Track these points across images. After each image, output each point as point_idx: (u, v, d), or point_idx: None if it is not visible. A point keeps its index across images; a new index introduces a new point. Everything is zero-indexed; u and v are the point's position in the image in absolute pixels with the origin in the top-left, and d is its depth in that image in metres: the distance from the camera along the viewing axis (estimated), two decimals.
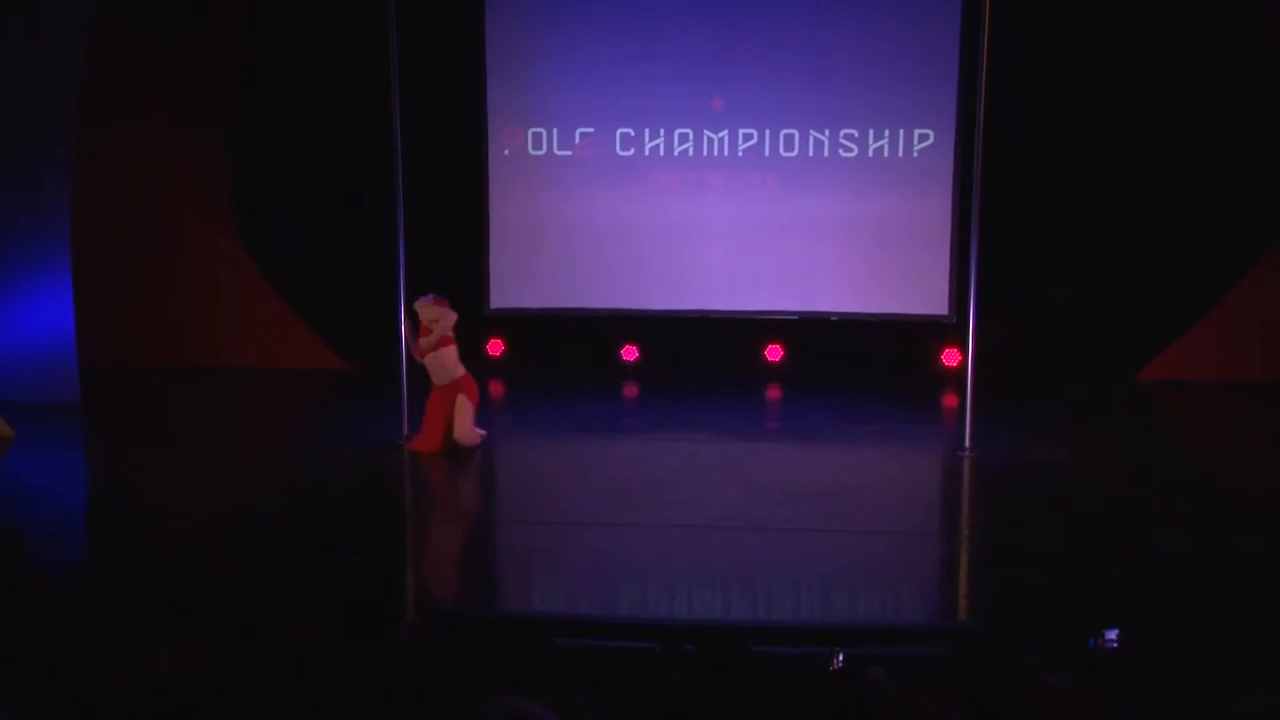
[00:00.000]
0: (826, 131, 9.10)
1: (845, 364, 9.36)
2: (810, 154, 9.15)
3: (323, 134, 9.43)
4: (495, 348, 9.90)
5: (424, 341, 7.10)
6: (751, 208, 9.27)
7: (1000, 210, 8.08)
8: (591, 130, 9.32)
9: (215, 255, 9.74)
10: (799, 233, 9.23)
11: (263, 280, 9.79)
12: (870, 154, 9.07)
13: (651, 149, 9.33)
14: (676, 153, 9.31)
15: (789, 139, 9.17)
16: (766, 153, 9.20)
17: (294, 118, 9.49)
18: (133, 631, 3.27)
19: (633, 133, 9.31)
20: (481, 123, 9.40)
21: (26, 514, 5.83)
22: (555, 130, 9.35)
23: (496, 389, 9.53)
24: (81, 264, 8.42)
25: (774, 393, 9.27)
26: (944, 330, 9.21)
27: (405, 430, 7.21)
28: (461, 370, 7.15)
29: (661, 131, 9.29)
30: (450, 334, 7.11)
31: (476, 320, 9.69)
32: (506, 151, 9.45)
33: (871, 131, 9.04)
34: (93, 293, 8.88)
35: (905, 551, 5.59)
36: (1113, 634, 3.35)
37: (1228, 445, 7.62)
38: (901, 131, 9.00)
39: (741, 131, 9.21)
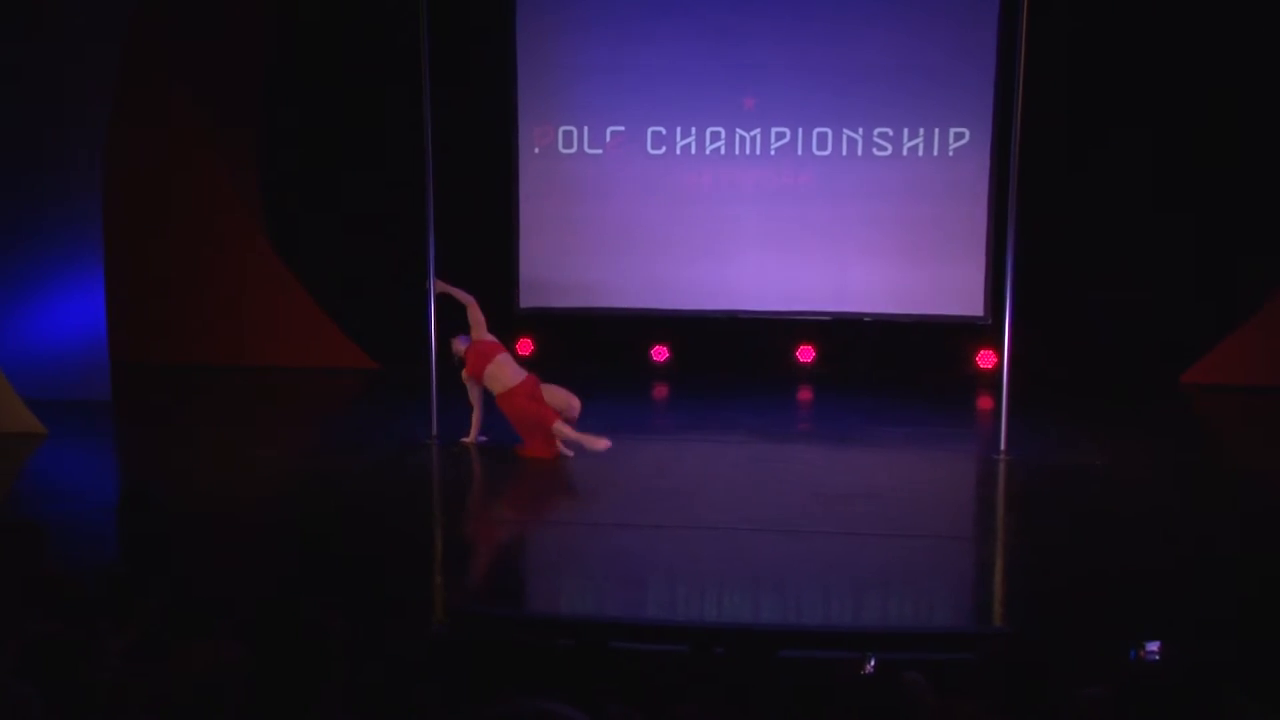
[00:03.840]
0: (860, 130, 9.05)
1: (878, 365, 9.32)
2: (843, 153, 9.11)
3: (353, 133, 9.51)
4: (524, 347, 9.91)
5: (465, 376, 7.08)
6: (783, 207, 9.24)
7: (1037, 209, 8.00)
8: (622, 129, 9.33)
9: (246, 254, 9.84)
10: (832, 232, 9.19)
11: (293, 279, 9.88)
12: (905, 153, 9.02)
13: (683, 148, 9.32)
14: (708, 151, 9.29)
15: (822, 138, 9.13)
16: (799, 151, 9.17)
17: (324, 117, 9.57)
18: (166, 627, 3.30)
19: (664, 131, 9.31)
20: (512, 121, 9.43)
21: (57, 510, 5.90)
22: (586, 129, 9.37)
23: None
24: (113, 262, 8.53)
25: (805, 394, 9.23)
26: (979, 332, 9.13)
27: (435, 430, 7.23)
28: (520, 374, 7.05)
29: (693, 130, 9.28)
30: (479, 352, 7.03)
31: (506, 319, 9.72)
32: (537, 150, 9.47)
33: (906, 130, 8.99)
34: (125, 291, 9.00)
35: (939, 555, 5.53)
36: (1154, 646, 3.28)
37: (1272, 451, 7.48)
38: (937, 130, 8.94)
39: (774, 130, 9.18)
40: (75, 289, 8.31)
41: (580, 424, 7.08)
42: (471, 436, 7.16)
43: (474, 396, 7.13)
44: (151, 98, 9.40)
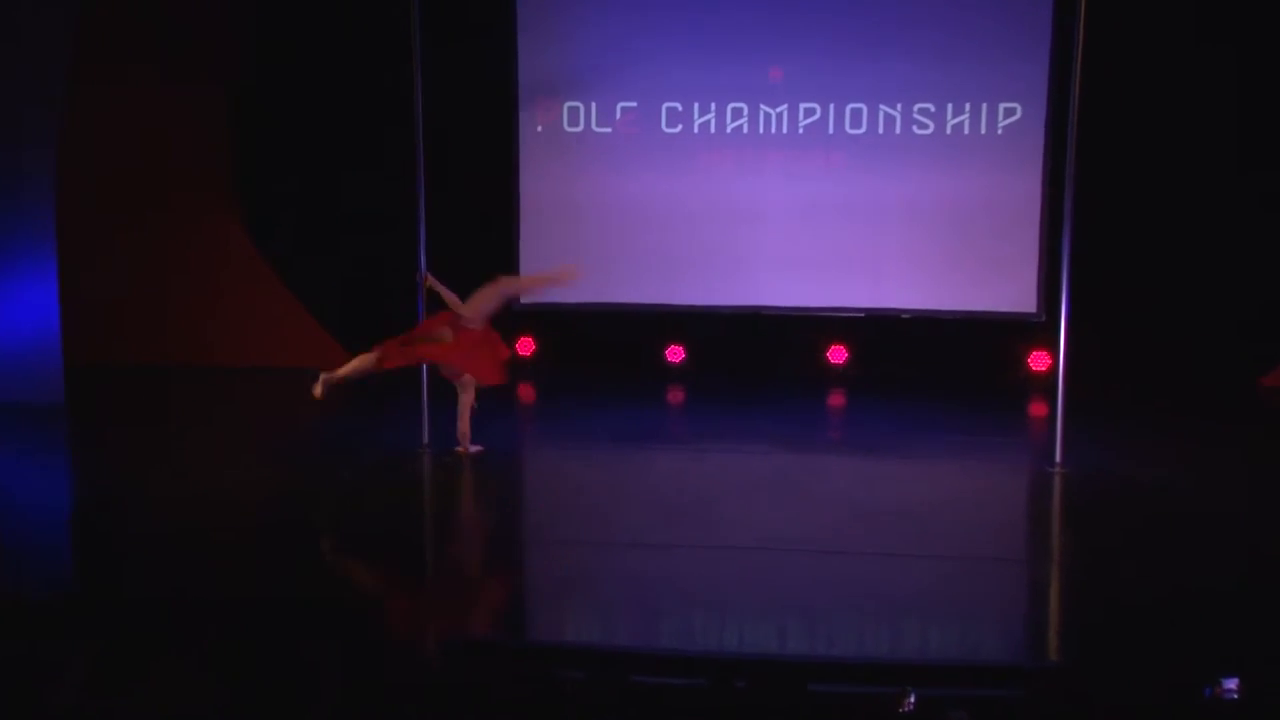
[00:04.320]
0: (899, 105, 9.03)
1: (918, 367, 9.31)
2: (880, 131, 9.09)
3: (337, 111, 9.53)
4: (525, 347, 9.93)
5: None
6: (813, 191, 9.23)
7: (1096, 194, 7.95)
8: (634, 105, 9.34)
9: (217, 245, 9.89)
10: (867, 219, 9.18)
11: (269, 271, 9.91)
12: (948, 131, 9.00)
13: (701, 125, 9.33)
14: (729, 130, 9.30)
15: (856, 114, 9.11)
16: (830, 129, 9.15)
17: (304, 94, 9.60)
18: (126, 651, 3.30)
19: (680, 107, 9.31)
20: (512, 96, 9.45)
21: (4, 523, 5.91)
22: (594, 105, 9.38)
23: (526, 393, 9.56)
24: (68, 254, 8.57)
25: (837, 399, 9.23)
26: (1031, 330, 9.11)
27: (426, 438, 7.25)
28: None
29: (712, 106, 9.28)
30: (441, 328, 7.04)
31: (504, 316, 9.73)
32: (539, 128, 9.48)
33: (950, 105, 8.97)
34: (81, 285, 9.05)
35: (986, 580, 5.50)
36: (1232, 684, 3.24)
37: None
38: (984, 105, 8.91)
39: (802, 106, 9.17)
40: (25, 282, 8.34)
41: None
42: (463, 447, 7.16)
43: (462, 401, 7.12)
44: (111, 74, 9.44)
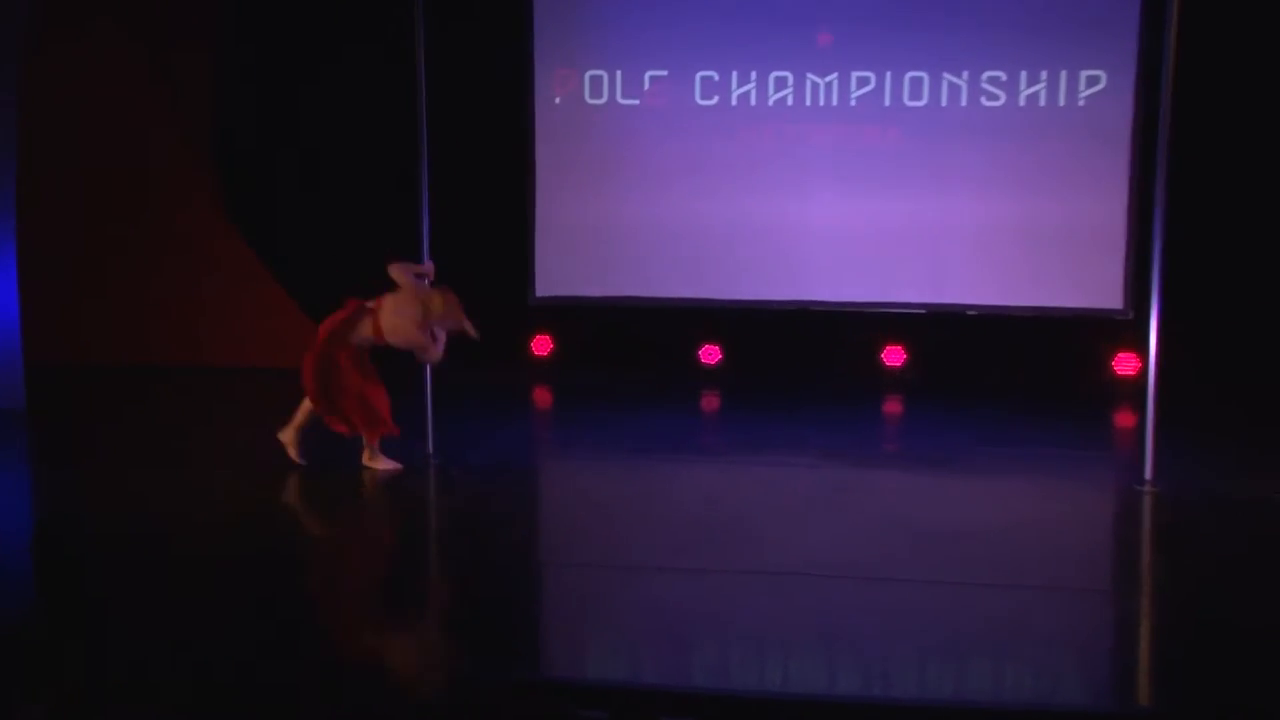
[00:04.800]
0: (965, 74, 8.99)
1: (986, 371, 9.31)
2: (943, 103, 9.05)
3: (330, 81, 9.56)
4: (541, 346, 9.94)
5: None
6: (867, 171, 9.21)
7: (1192, 175, 7.83)
8: (664, 74, 9.34)
9: (199, 233, 9.96)
10: (928, 204, 9.15)
11: (256, 261, 9.95)
12: (1022, 103, 8.95)
13: (740, 97, 9.31)
14: (771, 101, 9.28)
15: (916, 84, 9.07)
16: (887, 101, 9.13)
17: (294, 62, 9.64)
18: (89, 693, 3.29)
19: (716, 77, 9.30)
20: (527, 64, 9.45)
21: None
22: (619, 73, 9.39)
23: (542, 397, 9.56)
24: (30, 244, 8.64)
25: (893, 406, 9.22)
26: (1117, 329, 9.05)
27: (431, 447, 7.26)
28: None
29: (753, 75, 9.26)
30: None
31: (518, 312, 9.77)
32: (557, 100, 9.49)
33: (1024, 74, 8.91)
34: (46, 278, 9.13)
35: (1065, 613, 5.43)
36: None
37: None
38: (1064, 73, 8.85)
39: (855, 75, 9.14)
40: None
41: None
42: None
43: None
44: (77, 41, 9.53)
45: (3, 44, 8.16)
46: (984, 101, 9.02)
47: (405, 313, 6.77)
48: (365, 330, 6.84)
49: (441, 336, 6.90)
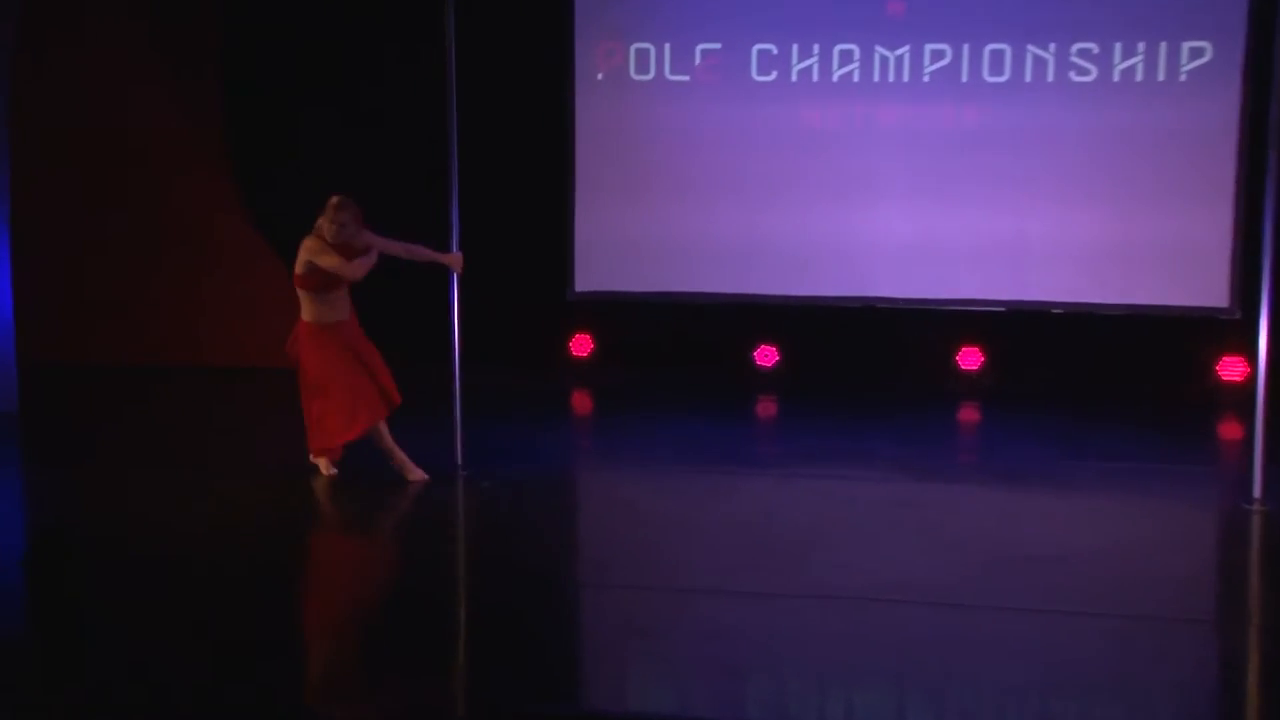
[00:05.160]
0: (1052, 46, 8.94)
1: (1073, 376, 9.26)
2: (1028, 78, 9.00)
3: (350, 61, 9.62)
4: (581, 346, 9.94)
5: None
6: (940, 154, 9.17)
7: None
8: (717, 47, 9.33)
9: (206, 223, 10.05)
10: (1008, 190, 9.10)
11: (270, 253, 10.02)
12: (1116, 77, 8.88)
13: (801, 73, 9.30)
14: (836, 77, 9.25)
15: (996, 57, 9.02)
16: (964, 76, 9.09)
17: (309, 40, 9.70)
18: (84, 709, 3.32)
19: (775, 50, 9.28)
20: (566, 36, 9.46)
21: None
22: (668, 46, 9.39)
23: (581, 402, 9.56)
24: (26, 239, 8.75)
25: (969, 414, 9.20)
26: (1221, 329, 8.99)
27: (460, 457, 7.28)
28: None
29: (816, 48, 9.24)
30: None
31: (555, 309, 9.78)
32: (600, 75, 9.50)
33: (1119, 46, 8.84)
34: (43, 274, 9.26)
35: (1163, 644, 5.37)
36: None
37: None
38: (1163, 45, 8.77)
39: (929, 48, 9.13)
40: None
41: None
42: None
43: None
44: (73, 28, 9.67)
45: None
46: (1073, 77, 8.95)
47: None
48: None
49: (363, 258, 6.87)
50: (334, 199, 6.86)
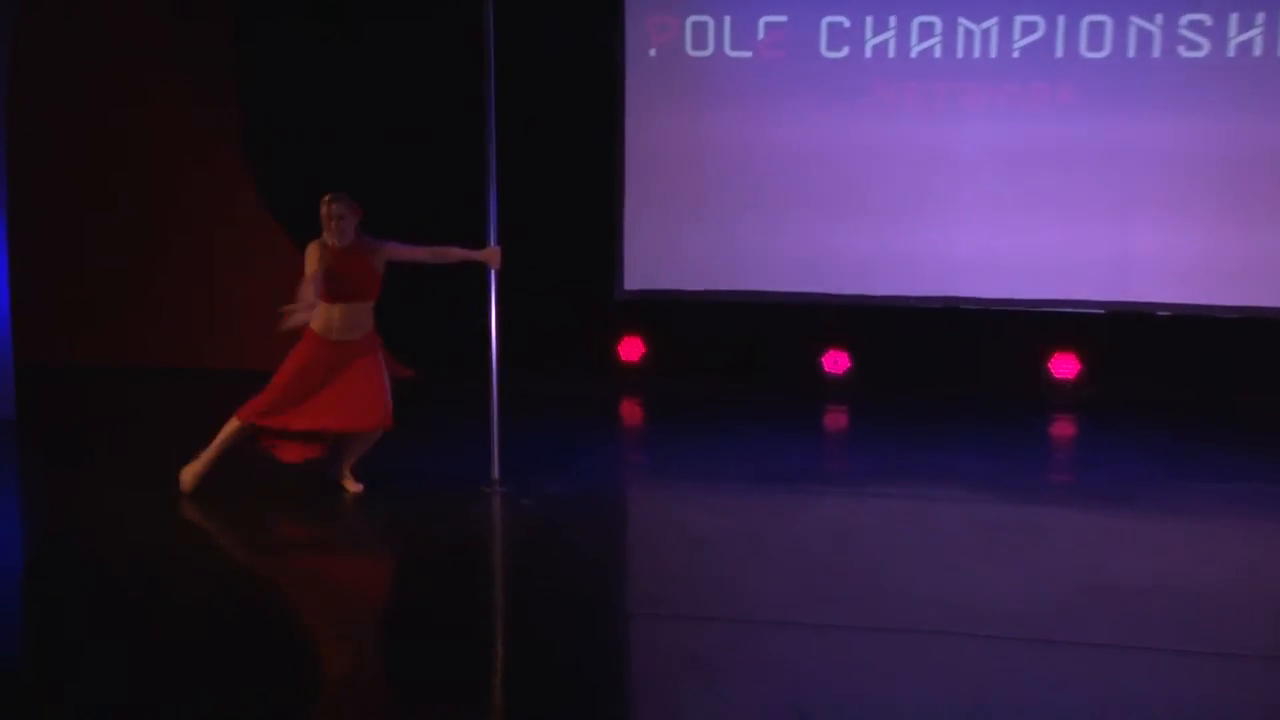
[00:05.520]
0: (1159, 17, 8.90)
1: (1182, 385, 9.23)
2: (1131, 54, 8.96)
3: (378, 41, 9.67)
4: (630, 350, 9.94)
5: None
6: (1032, 139, 9.16)
7: None
8: (783, 20, 9.33)
9: (222, 219, 10.14)
10: (1108, 178, 9.08)
11: (291, 248, 10.08)
12: (1232, 52, 8.83)
13: (875, 48, 9.28)
14: (914, 53, 9.25)
15: (1096, 30, 8.98)
16: (1059, 52, 9.06)
17: (333, 19, 9.76)
18: None
19: (847, 23, 9.27)
20: (615, 9, 9.47)
21: None
22: (728, 20, 9.40)
23: (631, 413, 9.54)
24: (25, 232, 8.86)
25: (1063, 428, 9.13)
26: None
27: (496, 471, 7.30)
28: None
29: (892, 21, 9.24)
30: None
31: (603, 309, 9.78)
32: (653, 52, 9.50)
33: (1235, 17, 8.81)
34: (43, 273, 9.37)
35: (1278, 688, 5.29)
36: None
37: None
38: None
39: (1019, 20, 9.10)
40: None
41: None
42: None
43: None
44: (74, 19, 9.83)
45: None
46: (1183, 52, 8.88)
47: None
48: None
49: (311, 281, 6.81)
50: (325, 196, 6.87)
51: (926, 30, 9.22)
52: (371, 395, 7.05)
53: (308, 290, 6.65)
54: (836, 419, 9.43)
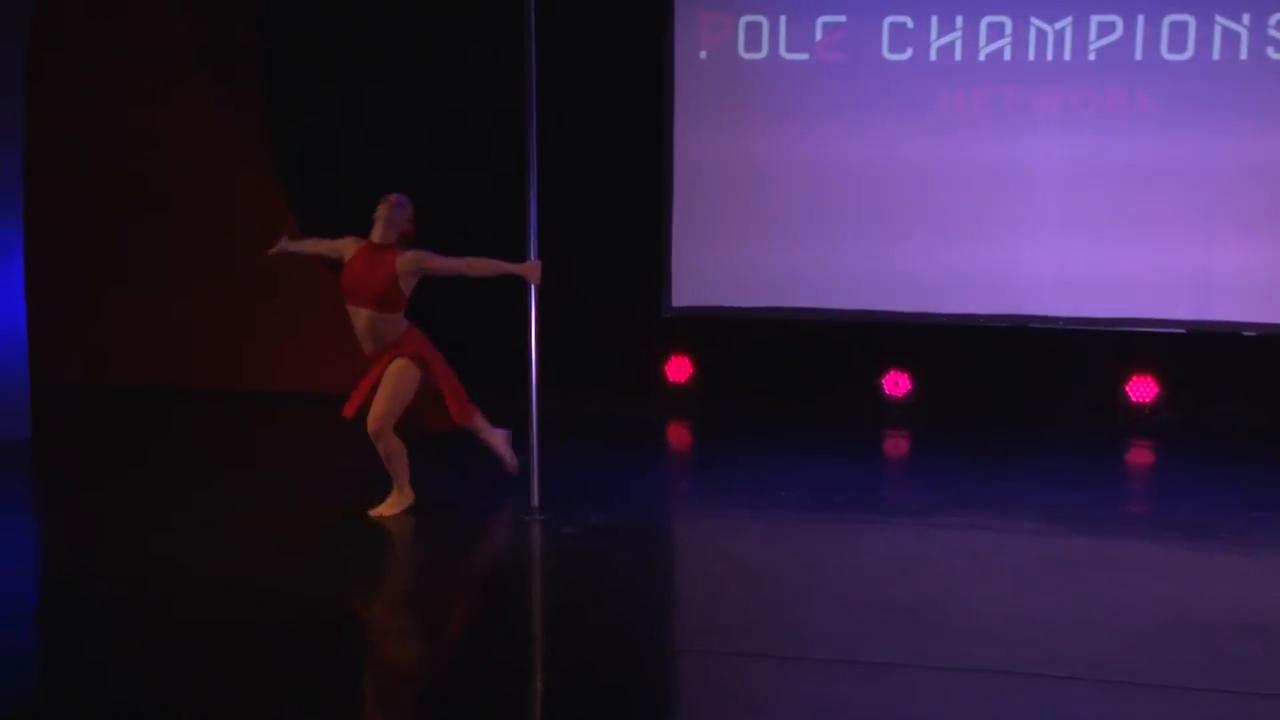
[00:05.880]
0: (1245, 17, 8.90)
1: (1269, 410, 9.19)
2: (1215, 56, 8.94)
3: (413, 40, 9.74)
4: (678, 370, 9.95)
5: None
6: (1106, 147, 9.17)
7: None
8: (842, 20, 9.34)
9: (250, 230, 10.21)
10: (1191, 188, 9.06)
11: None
12: None
13: (941, 50, 9.29)
14: (983, 56, 9.24)
15: (1178, 31, 8.95)
16: (1137, 55, 9.05)
17: (369, 28, 9.83)
18: None
19: (910, 23, 9.27)
20: (665, 8, 9.51)
21: None
22: (783, 20, 9.42)
23: (679, 436, 9.54)
24: (42, 246, 8.98)
25: (1140, 455, 9.10)
26: None
27: (536, 498, 7.32)
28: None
29: (959, 21, 9.24)
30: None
31: (649, 326, 9.79)
32: (704, 54, 9.54)
33: None
34: (63, 288, 9.47)
35: None
36: None
37: None
38: None
39: (1094, 20, 9.09)
40: None
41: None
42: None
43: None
44: (95, 28, 9.95)
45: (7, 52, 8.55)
46: (1271, 54, 8.85)
47: None
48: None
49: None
50: (391, 196, 7.16)
51: (996, 31, 9.21)
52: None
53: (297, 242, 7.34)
54: (897, 444, 9.40)
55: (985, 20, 9.19)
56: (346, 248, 7.15)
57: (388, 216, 7.07)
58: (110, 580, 6.48)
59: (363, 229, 10.06)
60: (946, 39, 9.28)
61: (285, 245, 7.40)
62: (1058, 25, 9.11)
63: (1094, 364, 9.49)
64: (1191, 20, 8.92)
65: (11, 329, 8.80)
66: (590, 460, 8.38)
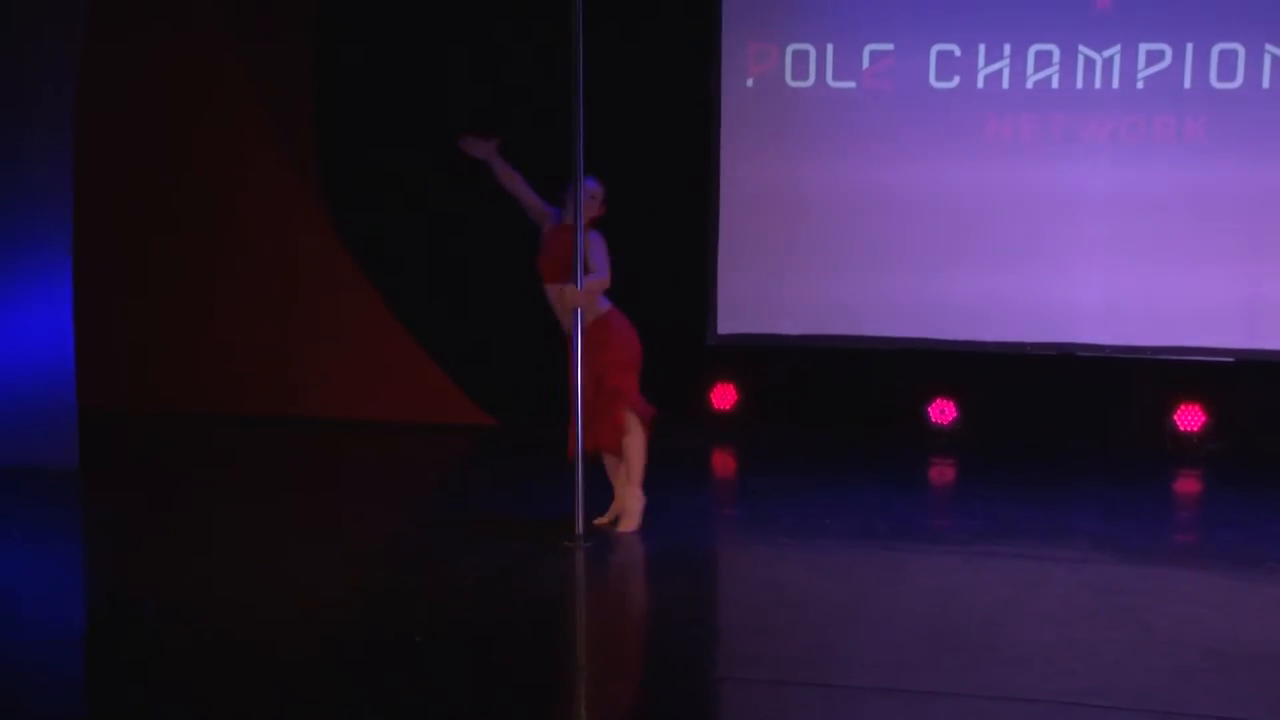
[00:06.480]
0: None
1: None
2: (1266, 85, 8.91)
3: (459, 63, 9.79)
4: (723, 397, 9.95)
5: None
6: (1154, 176, 9.12)
7: None
8: (889, 48, 9.35)
9: (294, 258, 10.30)
10: (1239, 220, 9.01)
11: (369, 290, 10.25)
12: None
13: (989, 78, 9.27)
14: (1031, 84, 9.22)
15: (1227, 59, 8.92)
16: (1187, 83, 9.00)
17: (414, 49, 9.90)
18: None
19: (958, 51, 9.27)
20: (712, 36, 9.54)
21: None
22: (830, 48, 9.43)
23: (723, 463, 9.53)
24: (92, 274, 9.09)
25: (1188, 484, 9.04)
26: None
27: (580, 526, 7.32)
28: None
29: (1006, 49, 9.23)
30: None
31: (694, 354, 9.80)
32: (750, 82, 9.56)
33: None
34: (110, 315, 9.57)
35: None
36: None
37: None
38: None
39: (1144, 48, 9.05)
40: (30, 312, 8.81)
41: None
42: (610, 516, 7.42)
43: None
44: (143, 33, 10.02)
45: (61, 41, 8.62)
46: None
47: None
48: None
49: None
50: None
51: (1044, 59, 9.18)
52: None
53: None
54: (943, 472, 9.36)
55: (1033, 48, 9.16)
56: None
57: (564, 201, 7.32)
58: (160, 607, 6.52)
59: (408, 257, 10.17)
60: (994, 67, 9.26)
61: (495, 155, 7.43)
62: (1106, 53, 9.07)
63: (1141, 393, 9.43)
64: (1241, 49, 8.87)
65: (60, 356, 8.78)
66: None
